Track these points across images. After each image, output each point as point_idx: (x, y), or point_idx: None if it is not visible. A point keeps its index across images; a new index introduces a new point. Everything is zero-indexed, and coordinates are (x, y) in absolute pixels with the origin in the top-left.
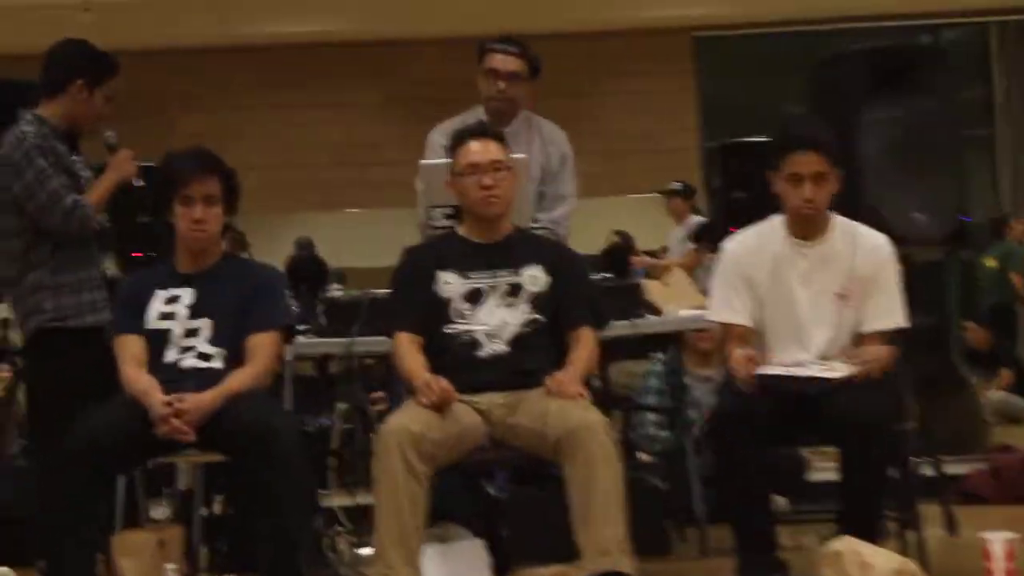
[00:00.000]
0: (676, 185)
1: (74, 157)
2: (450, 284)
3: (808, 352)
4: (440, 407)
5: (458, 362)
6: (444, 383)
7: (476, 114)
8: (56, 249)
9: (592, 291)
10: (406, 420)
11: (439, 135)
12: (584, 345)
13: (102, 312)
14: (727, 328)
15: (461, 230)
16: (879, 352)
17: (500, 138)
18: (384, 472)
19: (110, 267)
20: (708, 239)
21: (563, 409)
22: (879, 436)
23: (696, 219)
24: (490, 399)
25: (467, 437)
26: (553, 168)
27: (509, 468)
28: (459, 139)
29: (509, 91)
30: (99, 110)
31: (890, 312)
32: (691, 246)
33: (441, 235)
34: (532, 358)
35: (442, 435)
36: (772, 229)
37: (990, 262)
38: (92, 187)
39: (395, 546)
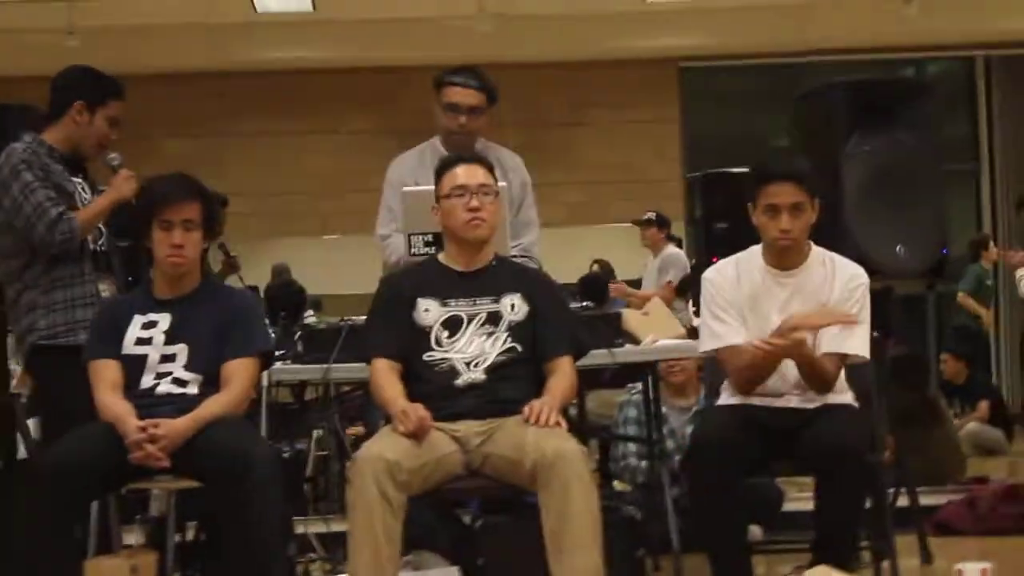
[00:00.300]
0: (649, 215)
1: (76, 179)
2: (429, 311)
3: (786, 381)
4: (417, 435)
5: (436, 390)
6: (421, 411)
7: (433, 146)
8: (50, 267)
9: (572, 319)
10: (381, 448)
11: (397, 169)
12: (562, 375)
13: None
14: (726, 351)
15: (442, 257)
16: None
17: (487, 164)
18: (359, 500)
19: (106, 289)
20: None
21: (540, 437)
22: (854, 464)
23: (672, 249)
24: (467, 427)
25: (443, 465)
26: (515, 195)
27: (484, 497)
28: (446, 164)
29: (470, 125)
30: (102, 133)
31: (853, 340)
32: (667, 277)
33: (421, 262)
34: (510, 387)
35: (417, 463)
36: (751, 259)
37: (962, 289)
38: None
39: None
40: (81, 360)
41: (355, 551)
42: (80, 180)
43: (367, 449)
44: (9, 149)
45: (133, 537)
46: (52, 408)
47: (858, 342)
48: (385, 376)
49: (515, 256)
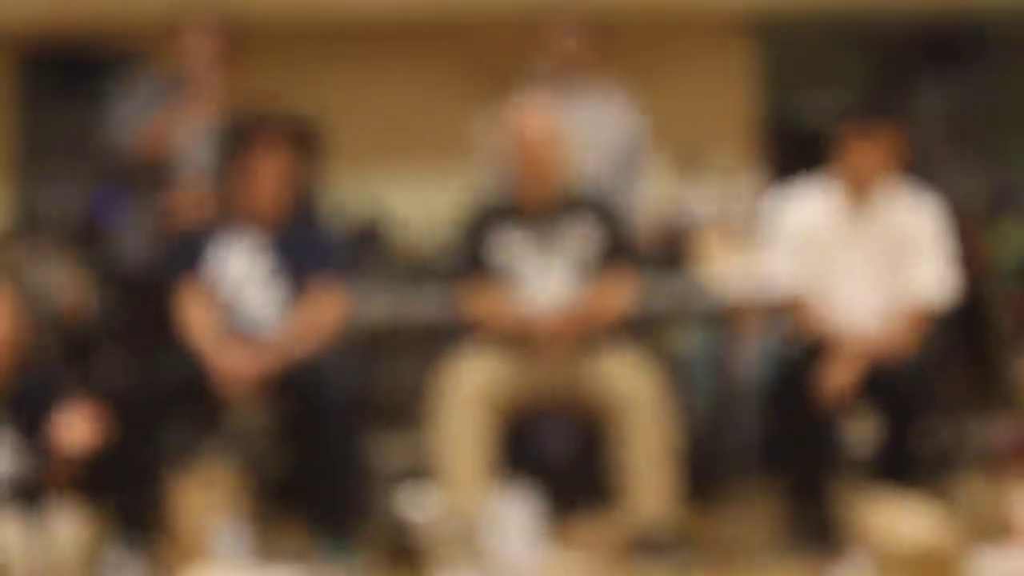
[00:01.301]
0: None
1: None
2: (502, 246)
3: (859, 316)
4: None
5: (517, 322)
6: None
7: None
8: None
9: (633, 246)
10: (467, 377)
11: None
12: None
13: None
14: (805, 298)
15: (513, 199)
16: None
17: (553, 110)
18: (450, 427)
19: None
20: None
21: (621, 374)
22: (920, 392)
23: None
24: (548, 358)
25: (526, 393)
26: (623, 132)
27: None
28: (513, 110)
29: (567, 52)
30: None
31: (934, 280)
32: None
33: (494, 204)
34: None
35: (507, 389)
36: (825, 197)
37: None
38: None
39: (469, 483)
40: (166, 289)
41: (452, 465)
42: None
43: (453, 377)
44: None
45: (215, 456)
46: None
47: (945, 281)
48: (480, 297)
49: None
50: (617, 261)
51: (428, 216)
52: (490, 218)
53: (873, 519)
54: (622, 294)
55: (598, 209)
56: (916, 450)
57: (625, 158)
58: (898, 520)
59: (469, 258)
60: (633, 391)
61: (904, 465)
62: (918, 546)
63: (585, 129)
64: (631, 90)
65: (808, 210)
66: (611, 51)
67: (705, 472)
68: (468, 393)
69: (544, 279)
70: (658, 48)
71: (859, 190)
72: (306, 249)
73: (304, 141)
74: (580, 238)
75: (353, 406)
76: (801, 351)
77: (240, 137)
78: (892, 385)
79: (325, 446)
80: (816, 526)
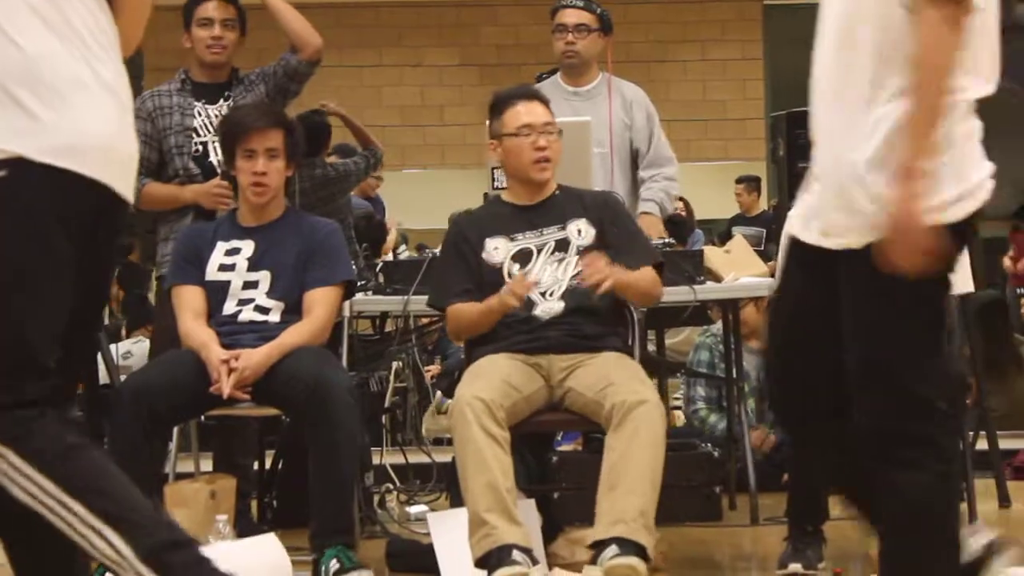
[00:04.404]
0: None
1: (208, 107)
2: (498, 249)
3: None
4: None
5: (516, 323)
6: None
7: (554, 81)
8: None
9: (641, 235)
10: (475, 390)
11: None
12: (644, 274)
13: None
14: None
15: (504, 195)
16: None
17: (544, 100)
18: (467, 442)
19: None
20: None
21: (622, 382)
22: None
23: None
24: (550, 360)
25: (531, 402)
26: (639, 126)
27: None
28: (505, 100)
29: (578, 44)
30: (199, 39)
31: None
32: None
33: (485, 204)
34: (592, 321)
35: (509, 401)
36: None
37: None
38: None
39: (492, 510)
40: (164, 286)
41: (473, 491)
42: (215, 106)
43: (462, 393)
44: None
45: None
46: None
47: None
48: (461, 308)
49: (654, 184)
50: (638, 253)
51: (432, 210)
52: (483, 221)
53: None
54: (655, 279)
55: (603, 205)
56: None
57: (644, 148)
58: None
59: (452, 277)
60: (629, 394)
61: None
62: None
63: (595, 122)
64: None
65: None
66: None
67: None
68: (475, 411)
69: (544, 274)
70: (672, 33)
71: None
72: (305, 245)
73: (309, 134)
74: (581, 233)
75: (354, 408)
76: None
77: (239, 128)
78: None
79: (325, 448)
80: None
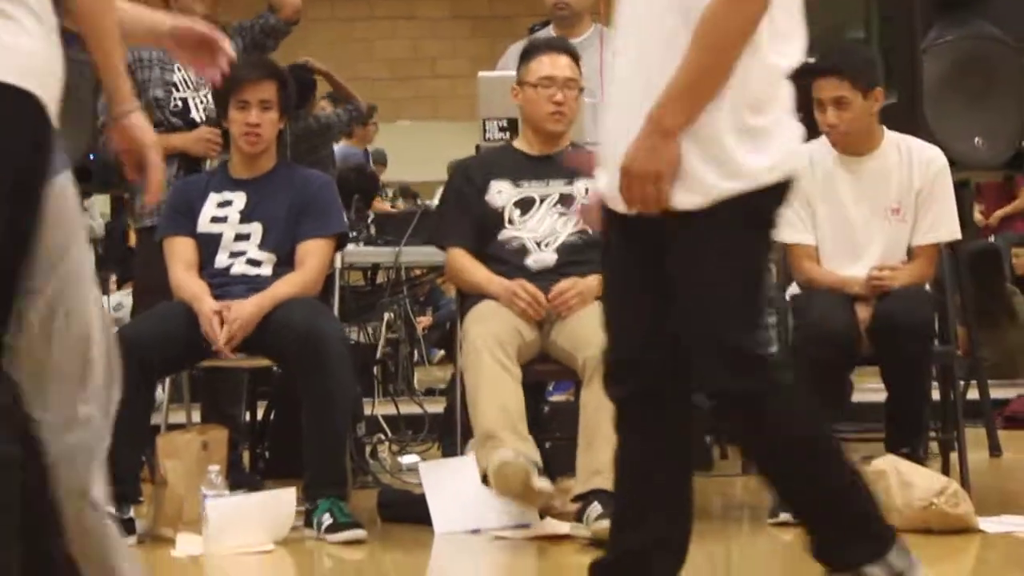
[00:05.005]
0: None
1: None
2: (502, 193)
3: (862, 268)
4: (533, 311)
5: (508, 270)
6: (531, 287)
7: (548, 33)
8: None
9: None
10: (490, 326)
11: (512, 57)
12: None
13: None
14: (795, 248)
15: (517, 143)
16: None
17: (574, 55)
18: (480, 371)
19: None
20: None
21: (595, 332)
22: (916, 343)
23: None
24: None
25: (530, 348)
26: None
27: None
28: (533, 50)
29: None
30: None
31: (944, 223)
32: None
33: (495, 147)
34: (580, 273)
35: (517, 344)
36: (822, 147)
37: None
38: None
39: (503, 428)
40: (155, 237)
41: (482, 405)
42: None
43: (474, 330)
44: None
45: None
46: (140, 287)
47: (952, 225)
48: (466, 260)
49: None
50: None
51: (424, 162)
52: (491, 163)
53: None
54: None
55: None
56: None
57: None
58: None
59: (456, 218)
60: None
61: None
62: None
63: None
64: None
65: (804, 162)
66: None
67: None
68: (489, 345)
69: (542, 225)
70: None
71: (838, 142)
72: (298, 198)
73: (298, 89)
74: (588, 192)
75: (346, 358)
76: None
77: (233, 79)
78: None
79: (318, 398)
80: None
